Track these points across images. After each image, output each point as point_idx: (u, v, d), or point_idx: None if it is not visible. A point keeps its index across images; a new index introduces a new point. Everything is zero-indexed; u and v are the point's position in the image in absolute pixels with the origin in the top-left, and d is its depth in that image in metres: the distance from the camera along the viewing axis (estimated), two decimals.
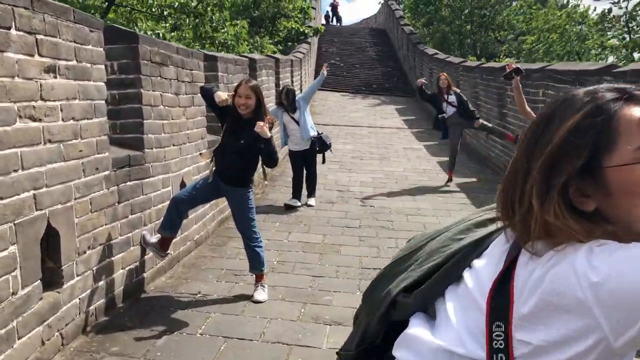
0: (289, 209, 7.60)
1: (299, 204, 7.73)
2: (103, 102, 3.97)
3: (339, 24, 43.30)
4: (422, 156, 12.36)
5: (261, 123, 4.15)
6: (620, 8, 23.36)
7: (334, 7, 37.70)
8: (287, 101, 7.66)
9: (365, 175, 10.02)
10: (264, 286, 4.57)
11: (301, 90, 13.51)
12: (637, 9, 20.48)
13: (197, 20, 10.42)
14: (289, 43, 21.99)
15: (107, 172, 4.02)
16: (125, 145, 4.61)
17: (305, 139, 7.68)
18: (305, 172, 7.94)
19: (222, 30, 10.72)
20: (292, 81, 13.08)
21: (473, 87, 12.96)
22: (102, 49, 3.92)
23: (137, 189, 4.54)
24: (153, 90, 4.83)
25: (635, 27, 21.34)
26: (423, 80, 9.16)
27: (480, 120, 9.31)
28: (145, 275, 4.70)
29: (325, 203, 8.04)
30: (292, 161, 7.93)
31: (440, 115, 9.23)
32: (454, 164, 9.47)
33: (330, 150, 8.05)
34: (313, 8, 28.24)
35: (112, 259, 4.16)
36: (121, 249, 4.29)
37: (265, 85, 9.57)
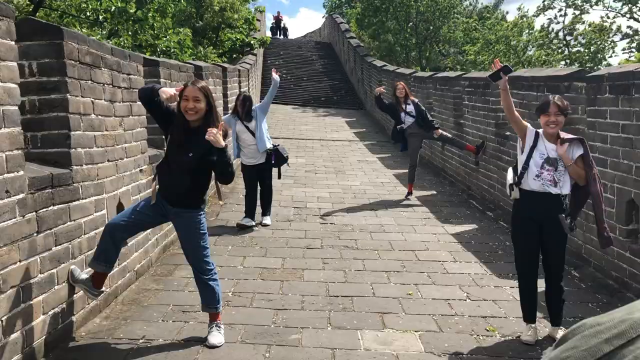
0: (242, 229, 6.90)
1: (253, 223, 7.05)
2: (15, 108, 3.20)
3: (284, 37, 42.92)
4: (378, 169, 11.92)
5: (214, 130, 3.48)
6: (557, 23, 24.13)
7: (278, 20, 37.23)
8: (243, 109, 7.00)
9: (322, 190, 9.44)
10: (219, 326, 3.86)
11: None
12: (574, 25, 21.13)
13: (136, 27, 9.62)
14: (234, 55, 21.30)
15: (21, 196, 3.24)
16: (48, 162, 3.83)
17: (260, 152, 7.03)
18: (259, 188, 7.28)
19: (165, 38, 9.95)
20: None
21: (426, 97, 12.67)
22: (12, 41, 3.17)
23: (63, 214, 3.76)
24: (82, 97, 4.08)
25: (572, 42, 22.00)
26: (382, 89, 8.72)
27: (440, 130, 8.94)
28: (74, 318, 3.90)
29: (281, 222, 7.40)
30: (245, 176, 7.25)
31: (398, 126, 8.81)
32: (414, 177, 9.04)
33: (287, 164, 7.43)
34: (258, 20, 27.73)
35: (30, 302, 3.36)
36: (42, 290, 3.49)
37: (213, 95, 8.85)
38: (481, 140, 8.87)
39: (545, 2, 21.63)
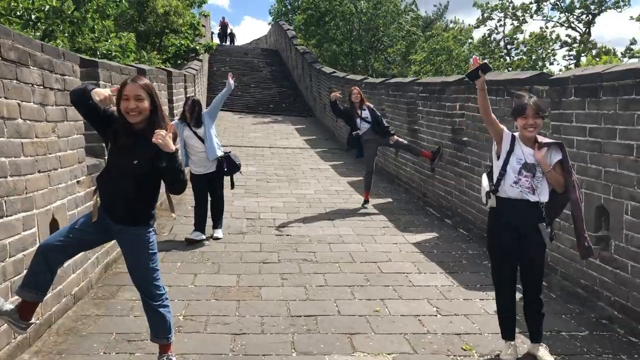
0: (191, 244, 6.41)
1: (203, 237, 6.57)
2: None
3: (231, 43, 42.23)
4: (331, 176, 11.63)
5: (162, 132, 3.05)
6: (498, 33, 24.77)
7: (224, 25, 36.44)
8: (192, 114, 6.52)
9: (275, 200, 9.04)
10: (170, 359, 3.40)
11: None
12: (514, 34, 21.69)
13: (73, 28, 8.92)
14: (179, 61, 20.60)
15: None
16: None
17: (210, 160, 6.57)
18: (210, 198, 6.81)
19: (106, 42, 9.29)
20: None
21: (378, 104, 12.48)
22: None
23: None
24: (6, 98, 3.54)
25: (513, 50, 22.60)
26: (337, 94, 8.43)
27: (396, 137, 8.73)
28: None
29: (234, 234, 6.94)
30: (194, 186, 6.76)
31: (354, 133, 8.53)
32: (370, 184, 8.78)
33: (240, 172, 6.99)
34: (203, 25, 27.06)
35: None
36: None
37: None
38: (437, 146, 8.72)
39: (484, 14, 22.16)
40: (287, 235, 7.00)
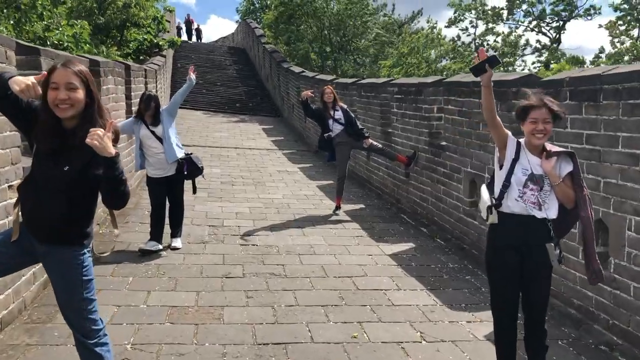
0: (146, 255, 5.77)
1: (160, 247, 5.93)
2: None
3: (198, 40, 41.18)
4: (300, 180, 11.09)
5: (98, 131, 2.44)
6: (469, 35, 24.69)
7: (189, 22, 35.22)
8: (148, 110, 5.88)
9: (240, 205, 8.43)
10: None
11: None
12: (485, 36, 21.58)
13: (18, 15, 8.13)
14: (141, 56, 19.72)
15: None
16: None
17: (169, 162, 5.94)
18: (168, 204, 6.18)
19: (57, 30, 8.50)
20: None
21: (350, 105, 11.96)
22: None
23: None
24: None
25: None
26: (309, 93, 7.88)
27: (370, 140, 8.25)
28: None
29: (195, 244, 6.33)
30: (151, 190, 6.12)
31: (326, 134, 8.01)
32: (342, 190, 8.27)
33: (203, 176, 6.37)
34: (167, 21, 26.15)
35: None
36: None
37: (113, 96, 7.63)
38: (413, 150, 8.29)
39: (456, 14, 21.98)
40: (253, 245, 6.42)
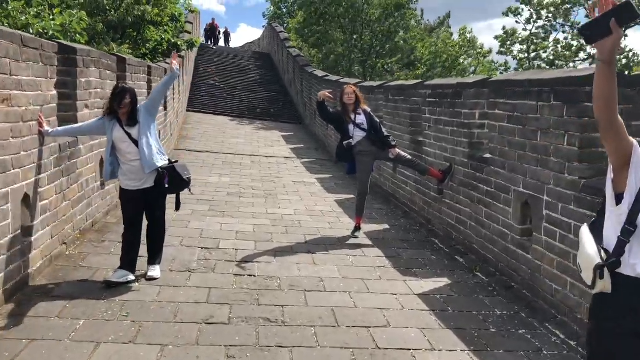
0: (112, 287, 4.60)
1: (131, 278, 4.74)
2: None
3: (226, 45, 40.43)
4: (317, 192, 9.86)
5: None
6: (525, 30, 23.07)
7: (213, 27, 33.91)
8: (122, 107, 4.71)
9: (244, 222, 7.23)
10: None
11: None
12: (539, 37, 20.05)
13: None
14: (159, 57, 18.79)
15: None
16: None
17: (147, 171, 4.76)
18: (147, 223, 5.01)
19: (48, 18, 7.45)
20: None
21: (375, 111, 10.73)
22: None
23: None
24: None
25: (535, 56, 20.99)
26: (327, 93, 6.63)
27: (398, 149, 6.97)
28: None
29: (178, 272, 5.13)
30: (123, 206, 4.95)
31: (345, 142, 6.76)
32: (363, 207, 7.00)
33: (190, 190, 5.16)
34: (190, 22, 25.33)
35: None
36: None
37: (97, 91, 6.52)
38: (448, 163, 7.00)
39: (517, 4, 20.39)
40: (250, 275, 5.20)
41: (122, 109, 4.73)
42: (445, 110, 7.25)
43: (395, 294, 4.95)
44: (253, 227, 6.99)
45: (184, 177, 4.89)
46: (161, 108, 11.35)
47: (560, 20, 21.97)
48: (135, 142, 4.75)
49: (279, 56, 29.20)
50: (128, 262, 4.79)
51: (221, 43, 40.16)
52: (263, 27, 42.40)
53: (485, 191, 6.08)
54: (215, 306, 4.38)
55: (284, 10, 41.27)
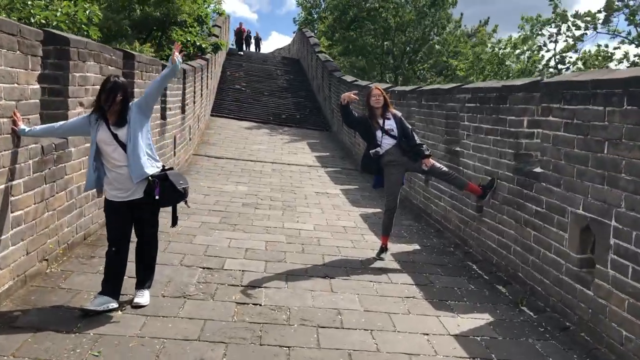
0: (88, 316, 3.87)
1: (113, 305, 4.01)
2: None
3: (257, 50, 40.02)
4: (340, 205, 9.06)
5: None
6: (548, 51, 22.06)
7: (240, 32, 33.12)
8: (110, 102, 4.00)
9: (256, 237, 6.48)
10: None
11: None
12: (565, 50, 18.93)
13: None
14: (184, 59, 18.33)
15: None
16: None
17: (136, 180, 4.03)
18: (136, 240, 4.29)
19: (51, 8, 6.88)
20: (166, 100, 9.44)
21: (407, 117, 9.90)
22: None
23: None
24: None
25: (568, 66, 19.85)
26: (352, 95, 5.82)
27: (432, 160, 6.12)
28: None
29: (171, 299, 4.39)
30: (108, 220, 4.23)
31: (372, 151, 5.94)
32: (391, 225, 6.16)
33: (186, 203, 4.40)
34: (218, 26, 24.92)
35: None
36: None
37: (95, 88, 5.85)
38: (490, 177, 6.13)
39: (534, 30, 19.42)
40: (255, 304, 4.42)
41: (112, 107, 4.02)
42: (487, 117, 6.39)
43: (427, 334, 4.10)
44: (265, 244, 6.22)
45: (179, 188, 4.14)
46: (178, 111, 10.73)
47: (599, 29, 20.94)
48: (123, 146, 4.03)
49: (307, 61, 28.58)
50: (111, 286, 4.06)
51: (252, 48, 39.74)
52: (293, 32, 41.97)
53: (534, 211, 5.19)
54: (208, 345, 3.61)
55: (315, 15, 40.74)
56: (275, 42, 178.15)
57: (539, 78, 5.69)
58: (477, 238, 6.50)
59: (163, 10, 15.11)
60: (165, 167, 4.25)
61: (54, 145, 4.75)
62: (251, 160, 13.04)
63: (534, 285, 5.12)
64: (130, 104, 4.13)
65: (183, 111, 11.45)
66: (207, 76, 17.52)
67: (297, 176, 11.68)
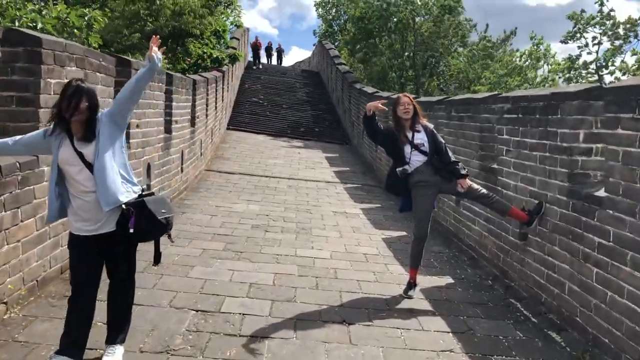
0: None
1: None
2: None
3: (279, 62, 39.38)
4: (361, 227, 8.17)
5: None
6: (590, 53, 20.93)
7: (256, 46, 32.01)
8: (74, 114, 3.20)
9: (264, 267, 5.63)
10: None
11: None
12: (609, 55, 17.81)
13: None
14: (200, 70, 17.73)
15: None
16: None
17: (106, 208, 3.21)
18: (109, 283, 3.46)
19: (32, 11, 6.16)
20: (172, 113, 8.70)
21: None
22: None
23: None
24: None
25: (607, 75, 18.72)
26: (379, 104, 4.95)
27: (469, 181, 5.21)
28: None
29: (150, 354, 3.54)
30: (72, 258, 3.40)
31: (399, 169, 5.05)
32: (421, 257, 5.25)
33: (170, 237, 3.53)
34: (236, 38, 24.38)
35: None
36: None
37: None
38: (537, 200, 5.20)
39: (575, 28, 18.37)
40: None
41: (76, 116, 3.22)
42: (531, 130, 5.47)
43: None
44: (274, 277, 5.36)
45: (159, 218, 3.31)
46: (186, 124, 10.00)
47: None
48: (90, 167, 3.22)
49: (327, 73, 27.88)
50: (71, 341, 3.23)
51: (274, 60, 39.09)
52: (313, 45, 41.36)
53: (596, 244, 4.26)
54: None
55: (336, 28, 40.14)
56: (295, 56, 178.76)
57: (596, 84, 4.78)
58: (520, 270, 5.56)
59: (174, 24, 14.50)
60: (145, 192, 3.43)
61: (18, 164, 3.98)
62: (266, 176, 12.24)
63: (598, 335, 4.17)
64: (100, 114, 3.34)
65: (193, 124, 10.72)
66: (223, 88, 16.85)
67: (314, 193, 10.83)
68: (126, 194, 3.29)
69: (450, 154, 5.19)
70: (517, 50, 21.06)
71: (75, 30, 6.71)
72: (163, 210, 3.36)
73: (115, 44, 13.25)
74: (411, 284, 5.19)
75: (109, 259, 3.39)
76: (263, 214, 8.45)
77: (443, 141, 5.24)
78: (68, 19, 6.47)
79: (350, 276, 5.62)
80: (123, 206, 3.25)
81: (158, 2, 14.01)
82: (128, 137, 6.54)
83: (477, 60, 22.78)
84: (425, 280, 5.55)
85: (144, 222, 3.27)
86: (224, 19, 23.71)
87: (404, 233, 7.79)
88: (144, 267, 4.78)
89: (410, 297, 5.08)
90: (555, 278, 4.87)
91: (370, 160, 14.79)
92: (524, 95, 5.81)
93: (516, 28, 25.64)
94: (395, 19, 22.65)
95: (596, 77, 18.57)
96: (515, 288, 5.60)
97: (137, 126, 6.83)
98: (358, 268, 5.95)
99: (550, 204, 5.03)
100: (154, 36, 3.47)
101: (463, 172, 5.12)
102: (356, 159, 16.34)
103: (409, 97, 5.16)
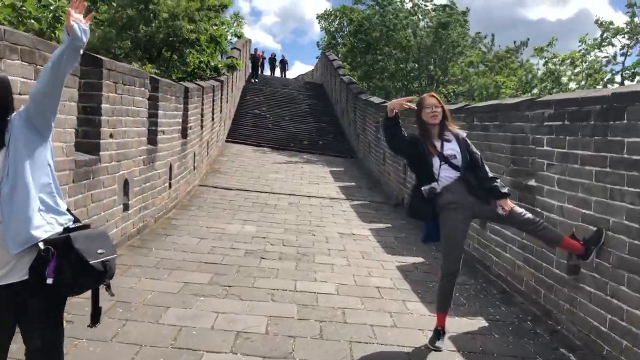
0: None
1: None
2: None
3: (283, 74, 38.49)
4: (371, 252, 7.12)
5: None
6: (616, 64, 20.04)
7: (255, 58, 30.71)
8: None
9: (255, 308, 4.57)
10: None
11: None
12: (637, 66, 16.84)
13: None
14: (197, 79, 16.84)
15: None
16: None
17: (15, 249, 2.20)
18: (25, 352, 2.42)
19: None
20: (158, 122, 7.73)
21: None
22: None
23: None
24: None
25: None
26: (403, 102, 3.90)
27: (510, 202, 4.17)
28: None
29: None
30: None
31: (426, 188, 4.01)
32: (451, 298, 4.19)
33: (109, 289, 2.46)
34: (237, 49, 23.55)
35: None
36: None
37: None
38: (595, 227, 4.16)
39: (604, 35, 17.46)
40: None
41: None
42: (584, 140, 4.44)
43: None
44: (267, 321, 4.31)
45: (92, 262, 2.28)
46: (176, 135, 9.01)
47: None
48: None
49: (331, 85, 27.01)
50: None
51: (277, 72, 38.22)
52: (316, 57, 40.57)
53: None
54: None
55: (339, 39, 39.40)
56: (298, 70, 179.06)
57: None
58: (569, 311, 4.51)
59: (166, 29, 13.61)
60: (75, 225, 2.41)
61: None
62: (265, 192, 11.23)
63: None
64: (12, 115, 2.33)
65: (185, 136, 9.74)
66: (222, 98, 15.92)
67: (318, 211, 9.80)
68: (45, 227, 2.27)
69: (487, 168, 4.17)
70: (554, 57, 20.04)
71: (34, 22, 5.74)
72: (100, 251, 2.34)
73: (103, 52, 12.35)
74: (439, 332, 4.13)
75: (22, 321, 2.36)
76: (260, 237, 7.42)
77: (478, 152, 4.22)
78: (23, 8, 5.49)
79: (362, 319, 4.56)
80: (40, 245, 2.23)
81: (151, 6, 13.11)
82: (98, 148, 5.55)
83: (486, 72, 21.96)
84: (453, 324, 4.50)
85: (68, 267, 2.24)
86: (225, 29, 22.92)
87: (421, 259, 6.74)
88: (106, 308, 3.77)
89: (438, 349, 4.02)
90: (623, 326, 3.82)
91: (378, 175, 13.77)
92: (573, 98, 4.78)
93: (528, 39, 24.79)
94: (396, 37, 21.84)
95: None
96: (564, 334, 4.54)
97: (111, 136, 5.83)
98: (371, 307, 4.89)
99: (614, 232, 3.99)
100: (80, 2, 2.42)
101: (504, 190, 4.09)
102: (362, 173, 15.33)
103: (436, 98, 4.14)
